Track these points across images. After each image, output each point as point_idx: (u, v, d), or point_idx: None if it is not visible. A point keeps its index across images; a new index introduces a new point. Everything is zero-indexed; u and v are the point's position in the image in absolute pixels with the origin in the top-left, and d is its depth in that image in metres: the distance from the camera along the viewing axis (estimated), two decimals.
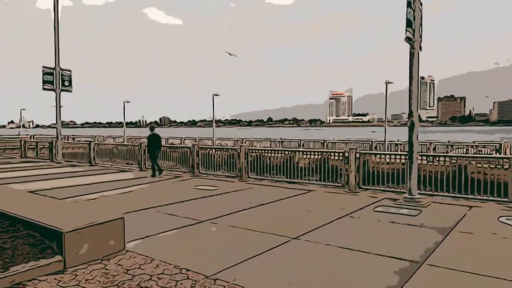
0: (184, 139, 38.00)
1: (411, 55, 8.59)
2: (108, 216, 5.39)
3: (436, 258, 5.21)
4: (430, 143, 24.49)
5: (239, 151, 12.62)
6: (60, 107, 19.24)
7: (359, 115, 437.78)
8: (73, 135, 56.88)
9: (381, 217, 7.54)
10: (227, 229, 6.69)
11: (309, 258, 5.25)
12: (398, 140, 28.05)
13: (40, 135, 60.76)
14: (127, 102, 42.74)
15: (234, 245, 5.84)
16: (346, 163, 10.49)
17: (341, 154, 10.86)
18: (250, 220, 7.37)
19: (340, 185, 10.76)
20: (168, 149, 15.52)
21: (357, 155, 10.32)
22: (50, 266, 4.55)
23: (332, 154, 11.64)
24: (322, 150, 16.45)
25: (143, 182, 12.35)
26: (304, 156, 11.94)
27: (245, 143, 33.46)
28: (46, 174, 14.86)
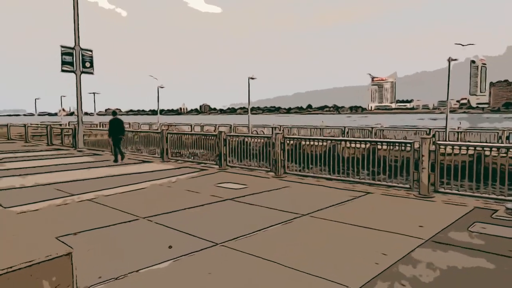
0: (219, 126, 36.08)
1: None
2: (41, 252, 3.22)
3: None
4: (503, 130, 20.77)
5: (274, 139, 10.24)
6: (80, 90, 17.67)
7: (402, 101, 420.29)
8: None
9: (488, 242, 4.93)
10: (251, 263, 4.39)
11: None
12: (458, 128, 24.49)
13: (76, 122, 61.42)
14: (161, 87, 41.35)
15: None
16: (416, 158, 7.82)
17: (408, 145, 8.18)
18: (290, 246, 5.02)
19: (407, 186, 8.13)
20: (192, 137, 13.41)
21: (432, 147, 7.62)
22: None
23: (392, 144, 8.92)
24: (378, 140, 13.66)
25: (159, 177, 10.30)
26: (353, 146, 9.36)
27: (281, 130, 31.01)
28: (63, 164, 13.27)
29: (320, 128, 30.72)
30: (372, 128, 24.45)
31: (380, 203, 7.37)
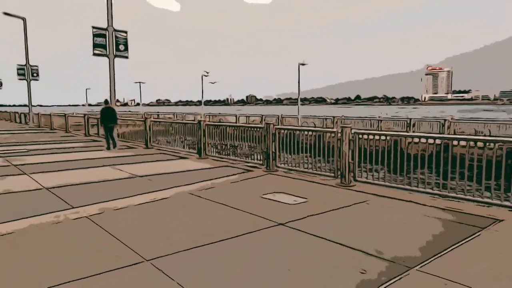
0: (265, 117, 33.69)
1: None
2: None
3: None
4: None
5: (339, 134, 7.66)
6: (114, 76, 15.95)
7: (459, 92, 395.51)
8: (157, 112, 56.48)
9: None
10: None
11: None
12: None
13: (132, 111, 61.90)
14: (205, 75, 39.54)
15: None
16: None
17: None
18: None
19: None
20: (235, 129, 11.09)
21: None
22: None
23: None
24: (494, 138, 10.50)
25: (190, 181, 8.09)
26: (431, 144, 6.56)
27: (336, 122, 28.06)
28: (86, 160, 11.56)
29: (378, 120, 27.43)
30: (445, 120, 20.89)
31: None
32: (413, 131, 21.39)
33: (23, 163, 10.75)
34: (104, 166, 10.32)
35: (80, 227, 5.12)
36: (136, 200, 6.46)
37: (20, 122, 35.86)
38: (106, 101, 14.85)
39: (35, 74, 30.86)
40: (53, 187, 7.54)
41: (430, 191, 6.42)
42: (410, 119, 22.21)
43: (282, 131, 9.26)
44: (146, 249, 4.23)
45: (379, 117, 27.87)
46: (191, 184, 7.82)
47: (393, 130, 22.26)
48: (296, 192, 6.93)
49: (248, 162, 10.23)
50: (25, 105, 35.77)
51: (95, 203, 6.23)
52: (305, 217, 5.45)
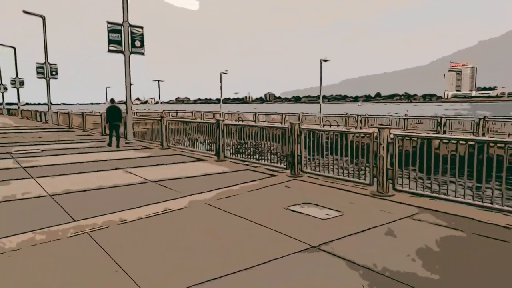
0: (285, 115, 32.71)
1: None
2: None
3: None
4: None
5: (375, 137, 6.71)
6: (130, 73, 15.34)
7: (484, 89, 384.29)
8: (176, 110, 56.12)
9: None
10: None
11: None
12: None
13: (151, 110, 61.71)
14: (224, 72, 38.79)
15: None
16: None
17: None
18: None
19: None
20: (254, 129, 10.23)
21: None
22: None
23: None
24: None
25: (207, 188, 7.29)
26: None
27: (361, 120, 26.90)
28: (98, 162, 10.96)
29: (404, 119, 26.10)
30: (480, 119, 19.46)
31: None
32: (449, 132, 20.08)
33: (33, 165, 10.19)
34: (116, 169, 9.64)
35: (76, 247, 4.36)
36: (144, 212, 5.70)
37: (41, 121, 35.98)
38: (112, 100, 15.20)
39: (54, 73, 30.74)
40: (58, 194, 6.87)
41: (497, 206, 5.40)
42: (441, 117, 20.81)
43: (308, 132, 8.36)
44: (152, 281, 3.43)
45: (405, 115, 26.50)
46: (208, 191, 7.01)
47: (428, 131, 21.01)
48: (327, 203, 6.03)
49: (270, 166, 9.37)
50: (46, 104, 35.84)
51: (100, 215, 5.49)
52: (342, 237, 4.56)
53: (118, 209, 5.82)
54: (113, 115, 14.53)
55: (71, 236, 4.69)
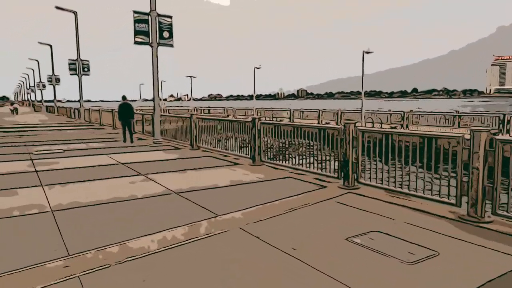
0: (322, 112, 30.84)
1: None
2: None
3: None
4: None
5: (462, 141, 5.02)
6: (157, 67, 14.16)
7: None
8: (208, 107, 55.29)
9: None
10: None
11: None
12: None
13: (182, 107, 61.48)
14: (258, 68, 37.34)
15: None
16: None
17: None
18: None
19: None
20: (297, 130, 8.64)
21: None
22: None
23: None
24: None
25: (239, 207, 5.84)
26: None
27: (407, 118, 24.67)
28: (126, 164, 9.82)
29: (455, 116, 23.66)
30: None
31: None
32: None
33: (48, 169, 9.15)
34: (138, 175, 8.39)
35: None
36: (159, 242, 4.30)
37: (74, 118, 35.98)
38: (123, 97, 15.35)
39: (86, 69, 30.43)
40: (62, 209, 5.65)
41: None
42: (504, 114, 18.33)
43: (368, 134, 6.71)
44: None
45: (457, 112, 24.06)
46: (242, 210, 5.56)
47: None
48: (405, 234, 4.42)
49: (316, 174, 7.80)
50: (88, 101, 35.83)
51: (101, 247, 4.16)
52: None
53: (126, 237, 4.45)
54: (124, 112, 14.97)
55: (58, 282, 3.35)
